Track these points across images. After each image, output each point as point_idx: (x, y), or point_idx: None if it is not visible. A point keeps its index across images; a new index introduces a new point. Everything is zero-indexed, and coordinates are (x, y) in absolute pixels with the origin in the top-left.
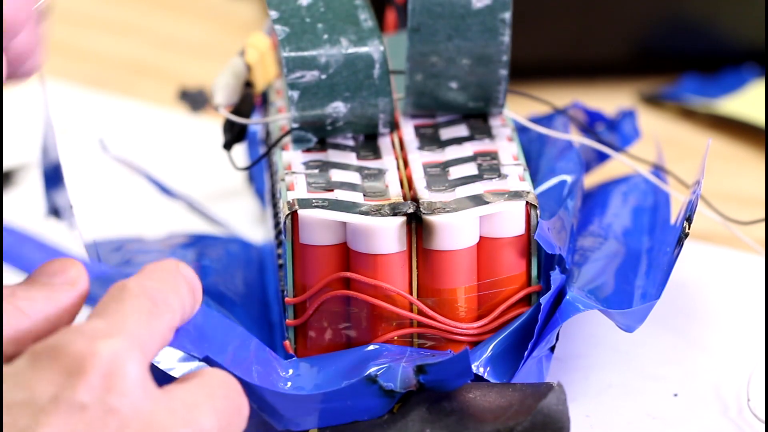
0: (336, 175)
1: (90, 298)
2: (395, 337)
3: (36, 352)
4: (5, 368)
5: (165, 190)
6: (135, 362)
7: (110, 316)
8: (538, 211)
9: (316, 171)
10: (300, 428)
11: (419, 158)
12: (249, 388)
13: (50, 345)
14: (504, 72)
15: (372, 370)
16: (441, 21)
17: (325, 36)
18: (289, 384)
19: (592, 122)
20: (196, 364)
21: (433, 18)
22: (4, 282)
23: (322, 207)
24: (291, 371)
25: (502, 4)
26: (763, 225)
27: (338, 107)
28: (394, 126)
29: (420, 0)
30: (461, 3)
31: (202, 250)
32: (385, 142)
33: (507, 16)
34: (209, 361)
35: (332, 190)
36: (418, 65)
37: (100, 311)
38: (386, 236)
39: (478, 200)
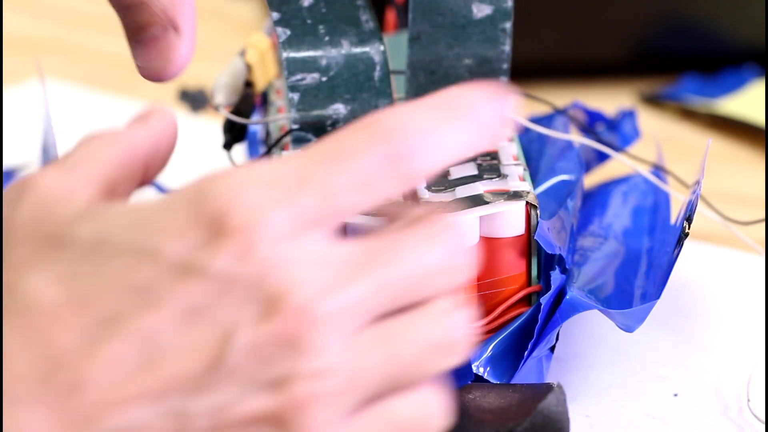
0: None
1: None
2: None
3: (172, 196)
4: (124, 205)
5: (164, 192)
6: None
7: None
8: (538, 211)
9: None
10: None
11: None
12: None
13: (191, 190)
14: (504, 79)
15: None
16: (442, 30)
17: (327, 38)
18: None
19: (592, 122)
20: None
21: (434, 27)
22: None
23: None
24: None
25: (502, 14)
26: (763, 225)
27: (338, 109)
28: None
29: (421, 9)
30: (462, 13)
31: None
32: None
33: (508, 25)
34: None
35: None
36: (419, 73)
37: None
38: None
39: (478, 200)
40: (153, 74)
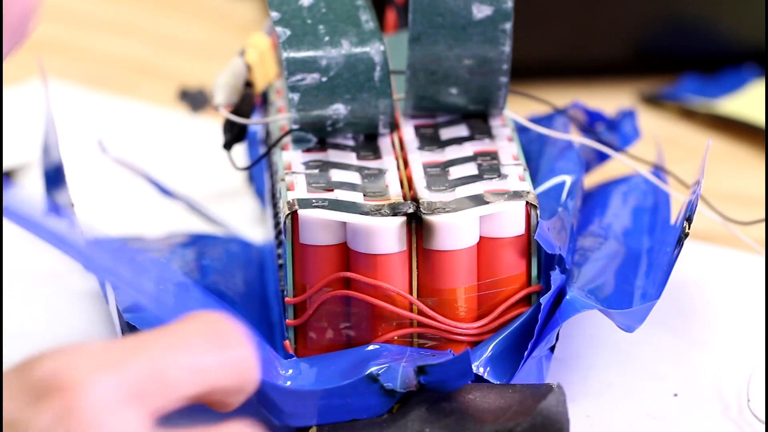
0: (336, 175)
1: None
2: (395, 337)
3: (12, 368)
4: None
5: (164, 191)
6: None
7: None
8: (538, 211)
9: (316, 171)
10: (299, 424)
11: (419, 158)
12: None
13: (24, 362)
14: (504, 79)
15: (373, 369)
16: (442, 31)
17: (327, 38)
18: (289, 383)
19: (592, 122)
20: None
21: (434, 28)
22: None
23: (322, 207)
24: (291, 371)
25: (502, 15)
26: (763, 225)
27: (338, 109)
28: (394, 126)
29: (421, 10)
30: (462, 14)
31: (202, 250)
32: (385, 142)
33: (508, 26)
34: None
35: (332, 190)
36: (419, 73)
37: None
38: (386, 236)
39: (478, 200)
40: None
